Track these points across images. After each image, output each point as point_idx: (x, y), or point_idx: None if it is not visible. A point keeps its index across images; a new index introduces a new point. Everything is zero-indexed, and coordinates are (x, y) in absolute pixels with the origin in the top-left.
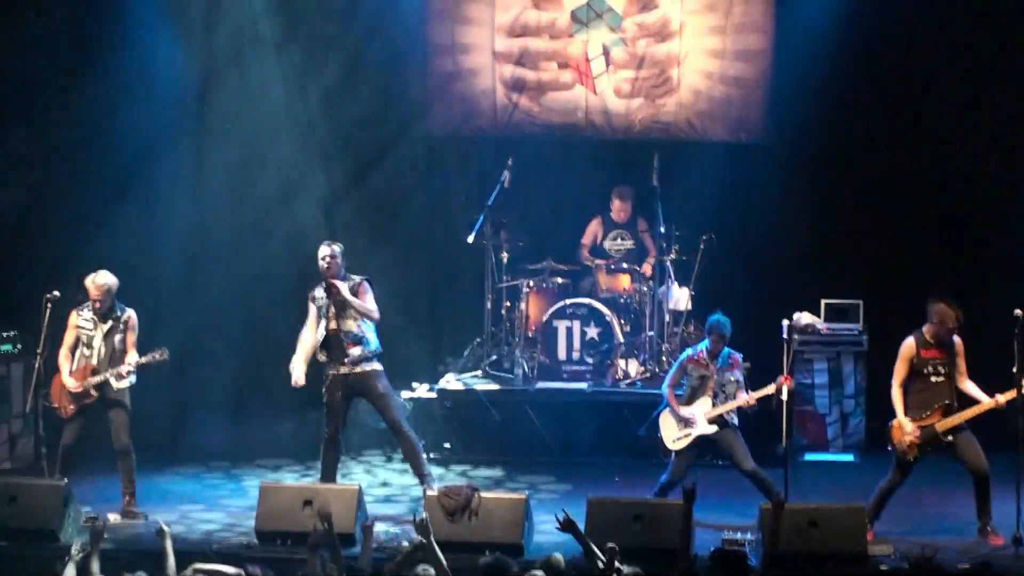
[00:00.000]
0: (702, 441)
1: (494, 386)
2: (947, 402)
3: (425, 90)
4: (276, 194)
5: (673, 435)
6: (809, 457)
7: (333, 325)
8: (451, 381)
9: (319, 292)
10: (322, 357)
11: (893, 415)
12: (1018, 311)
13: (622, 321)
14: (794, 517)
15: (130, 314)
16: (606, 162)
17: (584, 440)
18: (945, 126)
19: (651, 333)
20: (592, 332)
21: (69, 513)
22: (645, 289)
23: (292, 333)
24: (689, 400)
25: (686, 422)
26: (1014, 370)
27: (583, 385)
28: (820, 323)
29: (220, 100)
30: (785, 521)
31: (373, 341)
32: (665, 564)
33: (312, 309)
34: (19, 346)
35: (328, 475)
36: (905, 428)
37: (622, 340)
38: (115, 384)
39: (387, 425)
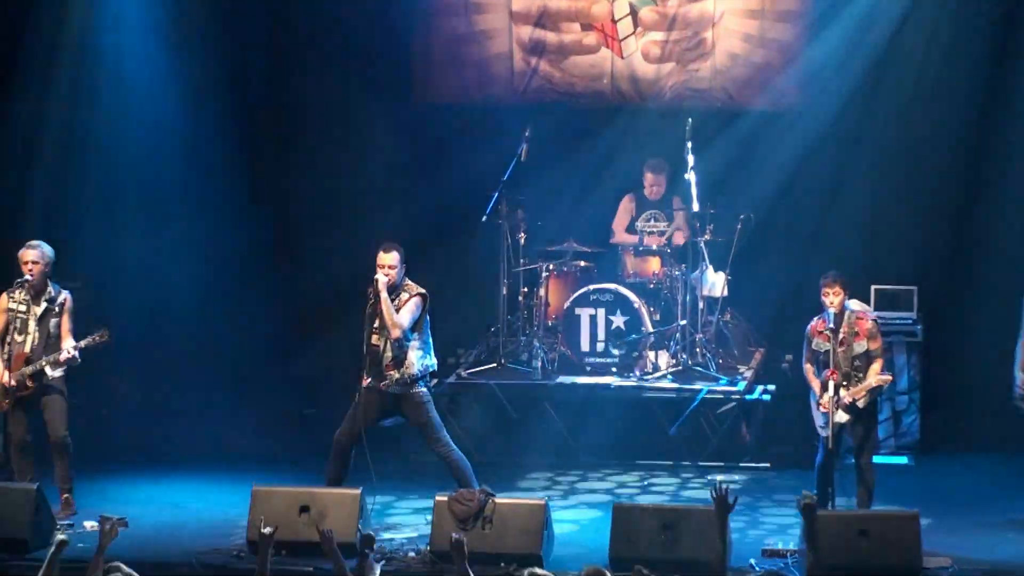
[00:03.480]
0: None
1: (510, 380)
2: None
3: (431, 54)
4: (269, 170)
5: (818, 421)
6: None
7: (375, 340)
8: (462, 375)
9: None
10: (366, 375)
11: (952, 411)
12: None
13: (651, 309)
14: (842, 526)
15: (66, 296)
16: (633, 133)
17: (609, 440)
18: (1015, 94)
19: (683, 322)
20: (618, 321)
21: (41, 520)
22: (677, 273)
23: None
24: (824, 382)
25: (821, 408)
26: None
27: (608, 379)
28: (870, 311)
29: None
30: (832, 530)
31: (417, 363)
32: None
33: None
34: None
35: (333, 482)
36: None
37: (651, 330)
38: (51, 372)
39: (436, 455)
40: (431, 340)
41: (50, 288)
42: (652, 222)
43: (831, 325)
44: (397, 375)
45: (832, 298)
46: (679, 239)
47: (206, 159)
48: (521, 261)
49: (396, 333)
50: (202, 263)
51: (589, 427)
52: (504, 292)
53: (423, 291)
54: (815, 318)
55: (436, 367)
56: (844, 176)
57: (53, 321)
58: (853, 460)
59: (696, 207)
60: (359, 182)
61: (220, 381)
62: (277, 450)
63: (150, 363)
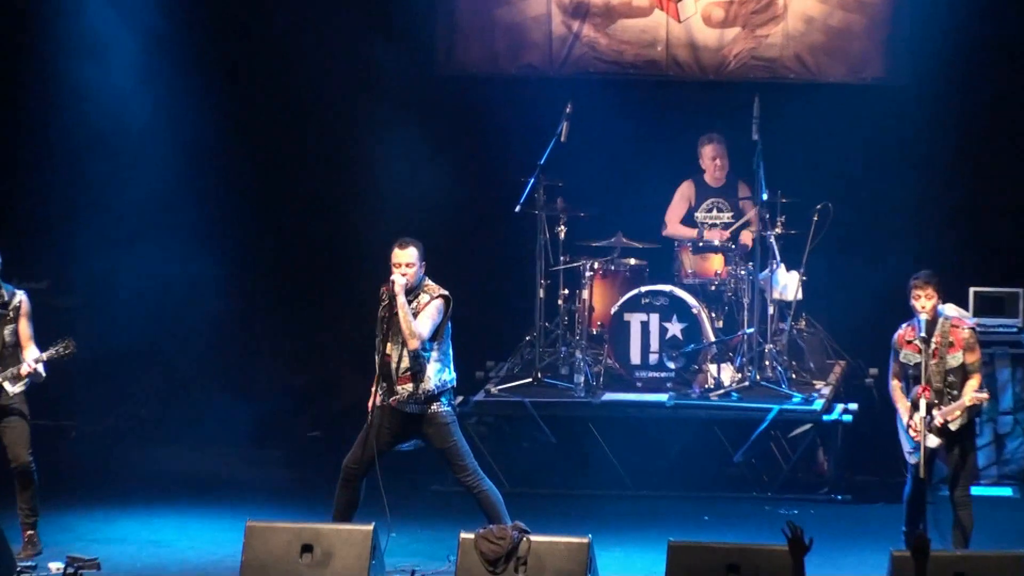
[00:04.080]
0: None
1: (548, 398)
2: None
3: (456, 17)
4: (272, 161)
5: (906, 446)
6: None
7: (389, 349)
8: (492, 392)
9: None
10: (379, 391)
11: None
12: None
13: (713, 314)
14: (937, 567)
15: (21, 298)
16: (691, 110)
17: (663, 468)
18: None
19: (750, 330)
20: (674, 328)
21: (3, 561)
22: (743, 273)
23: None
24: (913, 400)
25: (910, 431)
26: None
27: (662, 397)
28: (968, 317)
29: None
30: (926, 572)
31: (434, 377)
32: None
33: None
34: None
35: (341, 515)
36: None
37: (713, 339)
38: (10, 389)
39: (461, 485)
40: (451, 351)
41: (1, 291)
42: (714, 212)
43: (922, 334)
44: (411, 390)
45: (924, 302)
46: (747, 239)
47: (205, 146)
48: (561, 259)
49: (414, 343)
50: (196, 269)
51: (640, 452)
52: (541, 295)
53: (445, 293)
54: (903, 325)
55: (456, 382)
56: (938, 161)
57: (8, 329)
58: (947, 492)
59: (765, 196)
60: (372, 170)
61: (210, 399)
62: (275, 479)
63: (126, 378)
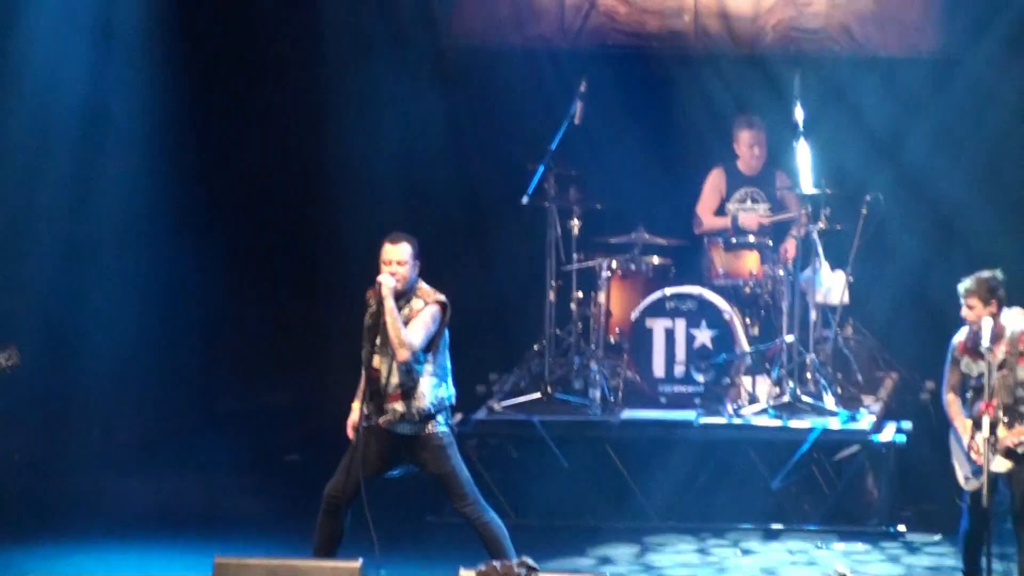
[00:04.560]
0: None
1: (559, 416)
2: None
3: None
4: (236, 141)
5: (963, 470)
6: None
7: (376, 362)
8: (496, 409)
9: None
10: (364, 408)
11: None
12: None
13: (747, 320)
14: None
15: None
16: (723, 88)
17: (690, 496)
18: None
19: (790, 338)
20: (703, 336)
21: None
22: (782, 273)
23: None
24: (975, 418)
25: (971, 452)
26: None
27: (690, 414)
28: None
29: None
30: None
31: (429, 394)
32: None
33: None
34: None
35: (322, 550)
36: None
37: (747, 348)
38: None
39: (460, 515)
40: (449, 364)
41: None
42: (748, 203)
43: (987, 343)
44: (403, 409)
45: (966, 311)
46: (789, 249)
47: (164, 131)
48: (575, 257)
49: (404, 354)
50: (152, 271)
51: (664, 478)
52: (551, 298)
53: (442, 298)
54: (964, 328)
55: (454, 399)
56: (1003, 146)
57: None
58: (1012, 525)
59: (808, 186)
60: (357, 157)
61: (171, 417)
62: (247, 508)
63: (75, 394)
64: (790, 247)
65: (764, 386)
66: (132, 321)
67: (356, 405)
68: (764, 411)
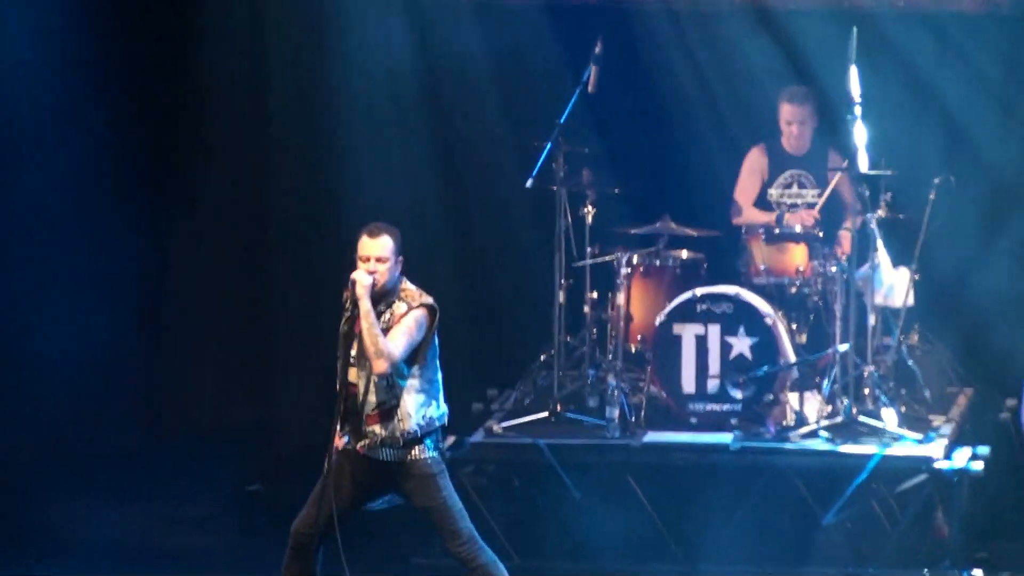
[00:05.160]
0: None
1: (570, 439)
2: None
3: None
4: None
5: None
6: None
7: (353, 376)
8: (495, 430)
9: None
10: (340, 430)
11: None
12: None
13: (794, 326)
14: None
15: None
16: (764, 50)
17: (726, 534)
18: None
19: (844, 347)
20: (741, 345)
21: None
22: (834, 270)
23: None
24: None
25: None
26: None
27: (725, 438)
28: None
29: None
30: None
31: (415, 414)
32: None
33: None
34: None
35: None
36: None
37: (793, 359)
38: None
39: (452, 556)
40: (440, 378)
41: None
42: (795, 188)
43: None
44: (384, 432)
45: None
46: (844, 243)
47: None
48: (588, 250)
49: (381, 366)
50: (92, 270)
51: (695, 514)
52: (561, 300)
53: (429, 301)
54: None
55: (446, 419)
56: None
57: None
58: None
59: (865, 167)
60: (329, 131)
61: (115, 437)
62: (203, 545)
63: (9, 409)
64: (844, 239)
65: (814, 404)
66: (73, 326)
67: (332, 427)
68: (814, 434)
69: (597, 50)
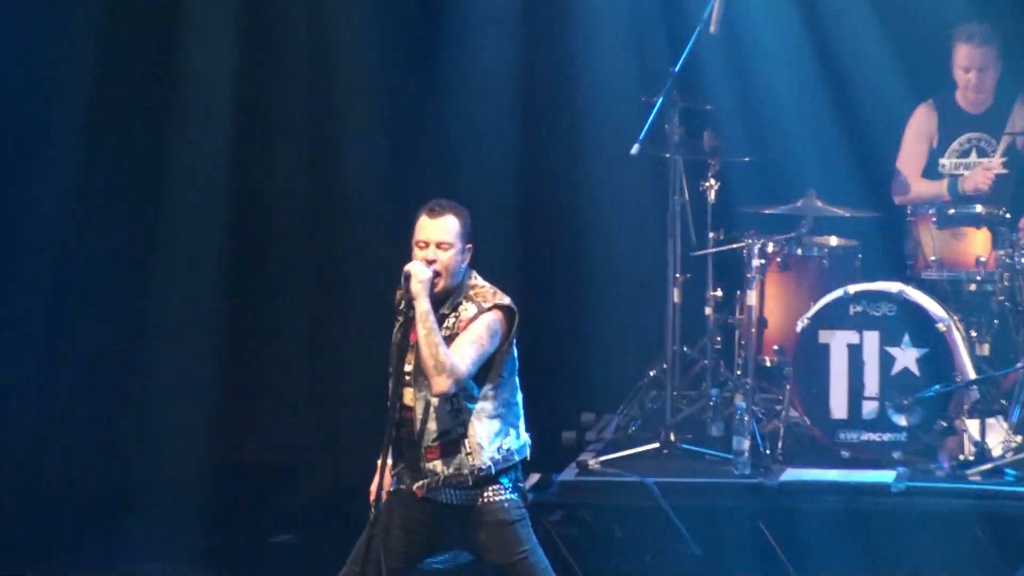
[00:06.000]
0: None
1: (686, 477)
2: None
3: None
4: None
5: None
6: None
7: (409, 398)
8: (592, 466)
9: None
10: (391, 466)
11: None
12: None
13: (973, 333)
14: None
15: None
16: None
17: None
18: None
19: None
20: (907, 357)
21: None
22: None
23: None
24: None
25: None
26: None
27: (887, 476)
28: None
29: None
30: None
31: (488, 445)
32: None
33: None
34: None
35: None
36: None
37: (973, 375)
38: None
39: None
40: (520, 400)
41: None
42: (973, 156)
43: None
44: (448, 469)
45: None
46: None
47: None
48: (710, 236)
49: (444, 384)
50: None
51: (846, 569)
52: (675, 299)
53: (507, 302)
54: None
55: (527, 451)
56: None
57: None
58: None
59: None
60: (366, 97)
61: (115, 478)
62: None
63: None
64: None
65: (998, 433)
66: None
67: (380, 462)
68: (999, 471)
69: None
